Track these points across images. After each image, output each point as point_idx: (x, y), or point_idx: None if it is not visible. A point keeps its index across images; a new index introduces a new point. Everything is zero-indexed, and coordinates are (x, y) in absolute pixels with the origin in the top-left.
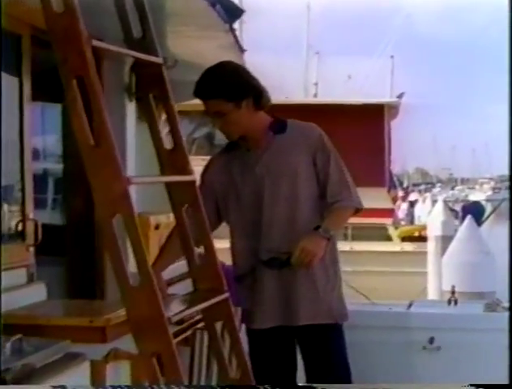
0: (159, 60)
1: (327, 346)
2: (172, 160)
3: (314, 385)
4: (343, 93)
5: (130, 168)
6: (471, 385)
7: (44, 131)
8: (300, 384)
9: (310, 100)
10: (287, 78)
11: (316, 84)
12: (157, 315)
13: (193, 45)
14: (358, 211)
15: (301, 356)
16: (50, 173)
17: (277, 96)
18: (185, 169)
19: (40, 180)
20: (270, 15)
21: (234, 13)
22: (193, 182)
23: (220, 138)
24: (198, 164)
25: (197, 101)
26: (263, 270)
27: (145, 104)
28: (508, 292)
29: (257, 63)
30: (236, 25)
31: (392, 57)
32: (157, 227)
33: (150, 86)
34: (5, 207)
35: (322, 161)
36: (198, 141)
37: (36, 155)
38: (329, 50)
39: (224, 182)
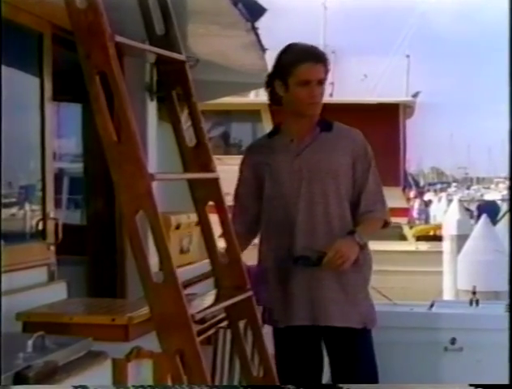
0: (182, 57)
1: (355, 350)
2: (195, 157)
3: (340, 385)
4: (359, 92)
5: (152, 167)
6: (471, 385)
7: (61, 132)
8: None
9: (326, 99)
10: None
11: (332, 84)
12: (181, 312)
13: (214, 44)
14: (386, 225)
15: (328, 358)
16: (66, 172)
17: None
18: (209, 167)
19: (57, 180)
20: (286, 15)
21: (256, 11)
22: (216, 180)
23: (235, 137)
24: None
25: (212, 101)
26: (293, 268)
27: (168, 101)
28: (508, 293)
29: (271, 61)
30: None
31: (408, 56)
32: (178, 227)
33: (173, 83)
34: (26, 206)
35: (362, 168)
36: (213, 140)
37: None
38: (345, 50)
39: (262, 165)
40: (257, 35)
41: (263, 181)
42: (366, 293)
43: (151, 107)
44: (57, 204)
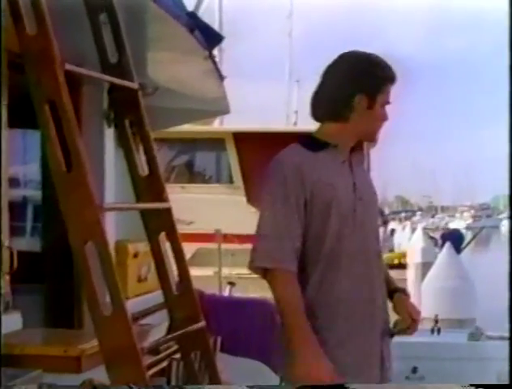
0: (134, 85)
1: None
2: (147, 186)
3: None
4: None
5: (109, 195)
6: (472, 385)
7: (25, 158)
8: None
9: (290, 127)
10: (268, 105)
11: (296, 112)
12: (130, 345)
13: (173, 72)
14: None
15: None
16: (30, 200)
17: (258, 124)
18: (161, 196)
19: (20, 207)
20: (251, 42)
21: (213, 39)
22: (169, 209)
23: (199, 166)
24: (176, 191)
25: (176, 128)
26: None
27: (120, 129)
28: (508, 296)
29: (238, 90)
30: (215, 52)
31: None
32: (136, 255)
33: (125, 111)
34: None
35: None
36: (177, 168)
37: (16, 182)
38: (309, 78)
39: (324, 186)
40: (214, 63)
41: (322, 208)
42: None
43: (109, 133)
44: (21, 232)
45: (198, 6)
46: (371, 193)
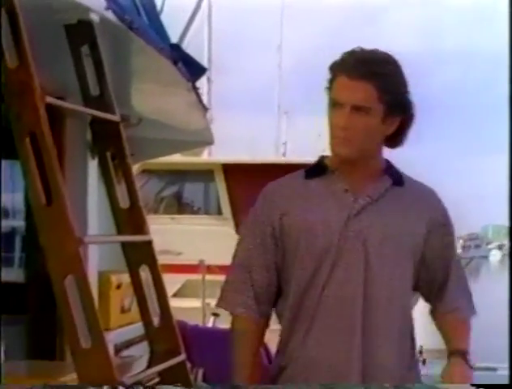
0: (115, 118)
1: None
2: (128, 219)
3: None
4: (313, 152)
5: (92, 226)
6: (473, 385)
7: (13, 188)
8: None
9: (279, 159)
10: (257, 136)
11: (285, 143)
12: (109, 379)
13: (157, 103)
14: None
15: None
16: (18, 230)
17: (246, 155)
18: (142, 229)
19: (8, 237)
20: (241, 74)
21: (197, 71)
22: (149, 242)
23: (188, 197)
24: (166, 222)
25: (165, 159)
26: None
27: (102, 162)
28: (508, 294)
29: (227, 121)
30: (204, 83)
31: None
32: (119, 286)
33: (107, 144)
34: None
35: (442, 244)
36: (166, 200)
37: (5, 212)
38: (299, 109)
39: (293, 218)
40: (198, 94)
41: (291, 246)
42: None
43: (93, 165)
44: (9, 263)
45: (182, 37)
46: (393, 234)
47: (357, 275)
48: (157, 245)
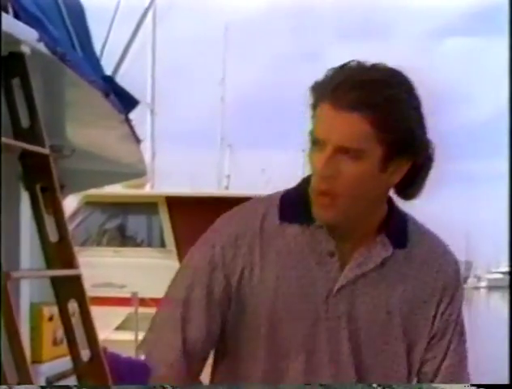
0: (45, 151)
1: None
2: (57, 253)
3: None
4: (256, 186)
5: (25, 258)
6: (473, 385)
7: None
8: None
9: (221, 192)
10: (200, 169)
11: (228, 176)
12: None
13: (89, 135)
14: None
15: None
16: None
17: (189, 188)
18: (71, 263)
19: None
20: (184, 107)
21: (129, 103)
22: (78, 277)
23: (131, 229)
24: (109, 255)
25: (109, 192)
26: None
27: (31, 195)
28: (508, 292)
29: (170, 154)
30: (147, 115)
31: (303, 150)
32: (51, 318)
33: (36, 177)
34: None
35: (448, 319)
36: (109, 232)
37: None
38: (242, 143)
39: (252, 271)
40: (131, 126)
41: (248, 322)
42: None
43: (25, 196)
44: None
45: (116, 69)
46: (384, 319)
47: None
48: (100, 278)
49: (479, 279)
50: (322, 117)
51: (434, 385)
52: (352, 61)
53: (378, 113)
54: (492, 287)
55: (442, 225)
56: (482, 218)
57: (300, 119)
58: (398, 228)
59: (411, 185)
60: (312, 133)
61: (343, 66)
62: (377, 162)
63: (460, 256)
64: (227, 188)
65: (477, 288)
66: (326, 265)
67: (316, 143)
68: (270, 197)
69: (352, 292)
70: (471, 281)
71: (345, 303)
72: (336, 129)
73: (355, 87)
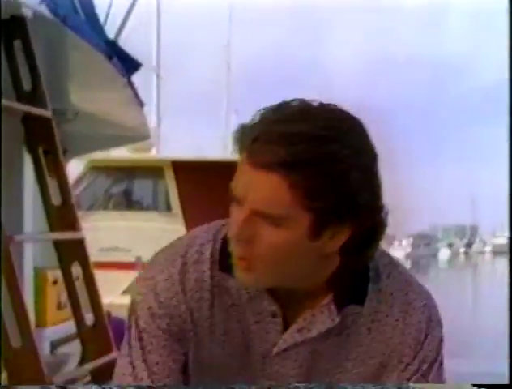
0: (47, 113)
1: None
2: (60, 216)
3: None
4: None
5: (28, 222)
6: (474, 385)
7: None
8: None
9: (227, 157)
10: (206, 135)
11: None
12: (38, 379)
13: (93, 98)
14: None
15: None
16: None
17: (195, 153)
18: (74, 227)
19: None
20: (190, 72)
21: (132, 66)
22: (81, 240)
23: (137, 194)
24: (115, 218)
25: (114, 156)
26: None
27: (34, 158)
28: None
29: (176, 119)
30: (153, 80)
31: None
32: (55, 282)
33: (39, 140)
34: None
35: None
36: (115, 197)
37: None
38: (248, 108)
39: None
40: (133, 89)
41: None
42: None
43: (29, 161)
44: None
45: (118, 33)
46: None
47: None
48: (107, 242)
49: (484, 243)
50: (240, 173)
51: (435, 385)
52: (294, 100)
53: (302, 175)
54: (497, 252)
55: (448, 190)
56: (486, 182)
57: (305, 87)
58: (349, 287)
59: (356, 253)
60: (230, 187)
61: (267, 113)
62: (304, 230)
63: (465, 221)
64: (232, 153)
65: (482, 252)
66: (266, 325)
67: (234, 199)
68: (214, 237)
69: (289, 361)
70: (476, 246)
71: (291, 361)
72: (252, 190)
73: (273, 142)
